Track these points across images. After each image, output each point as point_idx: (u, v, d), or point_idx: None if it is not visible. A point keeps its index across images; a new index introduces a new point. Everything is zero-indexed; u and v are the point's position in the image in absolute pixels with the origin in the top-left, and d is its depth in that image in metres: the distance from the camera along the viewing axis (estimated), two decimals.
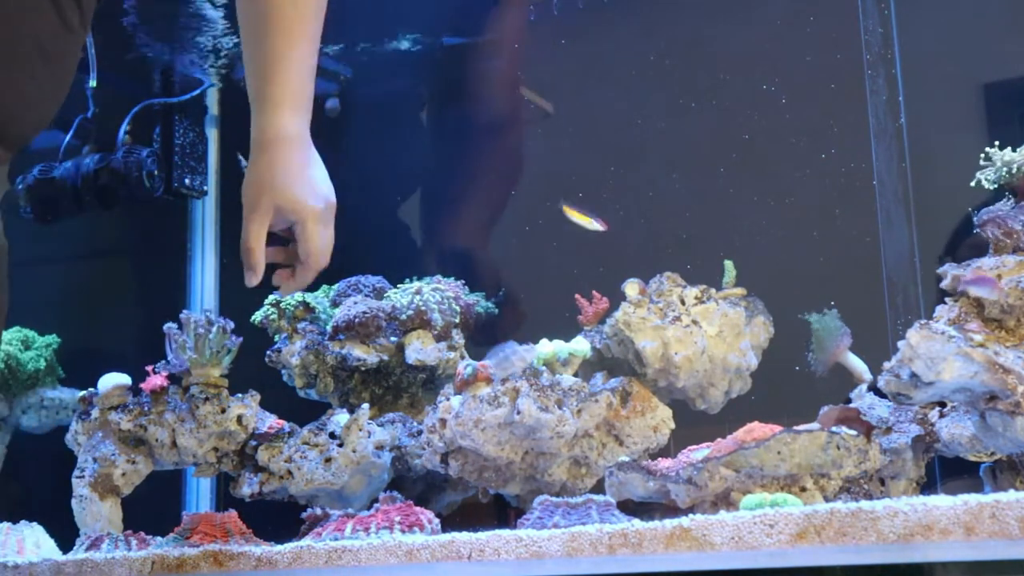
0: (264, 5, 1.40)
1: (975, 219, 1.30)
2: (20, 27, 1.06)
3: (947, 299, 1.28)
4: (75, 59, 1.15)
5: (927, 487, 1.48)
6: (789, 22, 1.94)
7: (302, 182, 1.39)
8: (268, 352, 1.77)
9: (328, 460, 1.55)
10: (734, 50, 1.98)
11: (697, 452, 1.31)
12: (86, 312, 2.37)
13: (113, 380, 1.63)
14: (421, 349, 1.69)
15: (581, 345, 1.53)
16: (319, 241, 1.38)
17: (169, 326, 1.61)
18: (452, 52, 2.22)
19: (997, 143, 1.35)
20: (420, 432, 1.57)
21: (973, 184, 1.37)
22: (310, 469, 1.55)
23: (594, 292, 1.59)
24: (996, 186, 1.34)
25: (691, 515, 1.06)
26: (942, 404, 1.45)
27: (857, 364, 1.54)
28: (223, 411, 1.56)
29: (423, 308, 1.70)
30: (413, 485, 1.65)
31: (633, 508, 1.28)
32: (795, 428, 1.22)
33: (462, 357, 1.73)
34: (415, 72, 2.25)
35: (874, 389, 1.44)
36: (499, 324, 1.89)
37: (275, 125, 1.40)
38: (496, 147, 2.18)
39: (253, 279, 1.40)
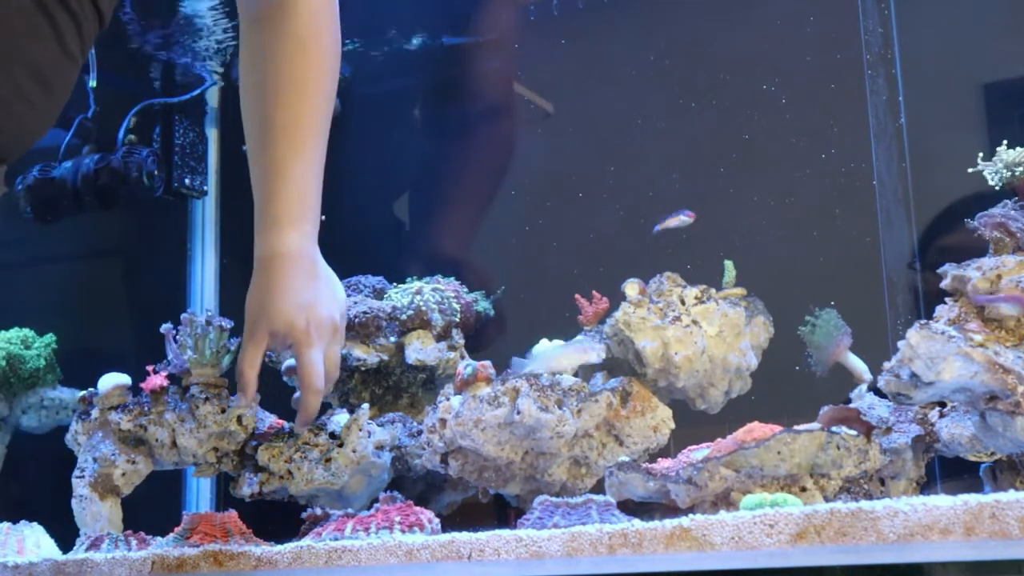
0: (267, 109, 1.38)
1: (975, 220, 1.30)
2: (18, 50, 1.05)
3: (947, 299, 1.28)
4: (71, 85, 1.14)
5: (927, 487, 1.48)
6: (789, 22, 1.94)
7: (298, 305, 1.37)
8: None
9: (328, 460, 1.55)
10: (734, 50, 1.98)
11: (697, 452, 1.31)
12: (86, 312, 2.37)
13: (113, 380, 1.63)
14: (421, 349, 1.69)
15: None
16: (314, 368, 1.37)
17: (167, 326, 1.61)
18: (449, 51, 2.22)
19: (1005, 142, 1.35)
20: (420, 432, 1.57)
21: (972, 171, 1.36)
22: (310, 469, 1.55)
23: (594, 292, 1.59)
24: (1000, 186, 1.34)
25: (691, 515, 1.06)
26: (942, 404, 1.45)
27: (857, 364, 1.54)
28: (223, 411, 1.56)
29: (423, 308, 1.70)
30: (413, 485, 1.65)
31: (633, 508, 1.28)
32: (795, 428, 1.22)
33: (462, 357, 1.73)
34: (414, 71, 2.25)
35: (874, 389, 1.44)
36: (495, 323, 1.89)
37: (275, 242, 1.37)
38: (489, 144, 2.18)
39: (242, 400, 1.41)
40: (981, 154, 1.36)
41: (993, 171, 1.34)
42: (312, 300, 1.38)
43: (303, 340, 1.37)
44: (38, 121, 1.11)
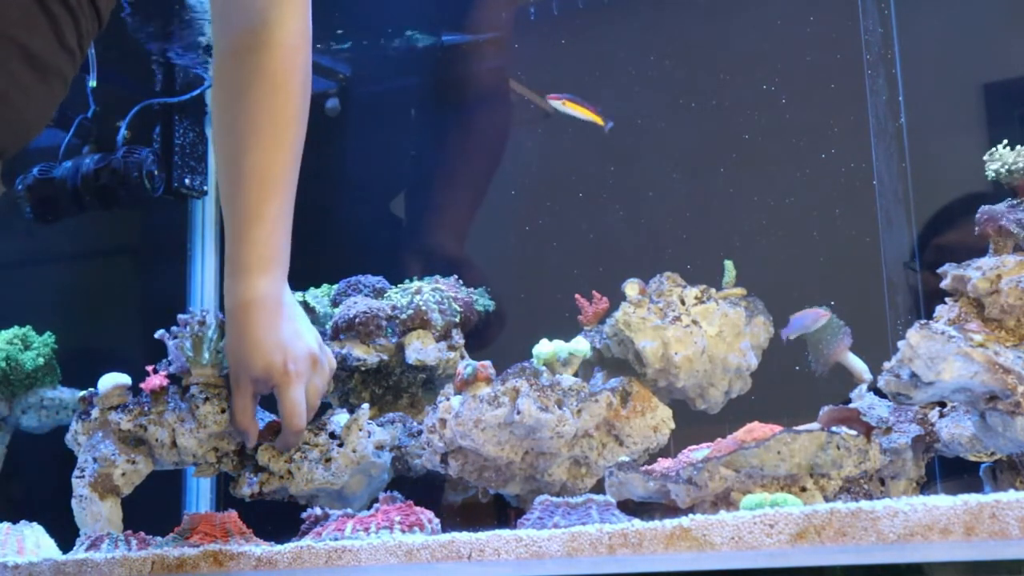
0: (239, 152, 1.39)
1: (978, 214, 1.29)
2: (13, 40, 1.05)
3: (947, 299, 1.29)
4: (69, 81, 1.14)
5: (927, 487, 1.48)
6: (789, 22, 1.94)
7: (273, 346, 1.41)
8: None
9: (328, 460, 1.55)
10: (734, 50, 1.98)
11: (697, 452, 1.31)
12: (86, 312, 2.37)
13: (113, 380, 1.62)
14: (421, 349, 1.69)
15: (581, 345, 1.52)
16: (294, 408, 1.42)
17: (161, 332, 1.61)
18: (448, 50, 2.22)
19: (1007, 143, 1.35)
20: (420, 432, 1.57)
21: (990, 158, 1.35)
22: (310, 469, 1.55)
23: (594, 292, 1.59)
24: (997, 179, 1.34)
25: (691, 515, 1.06)
26: (942, 404, 1.45)
27: (857, 364, 1.54)
28: (223, 411, 1.56)
29: (423, 308, 1.70)
30: (413, 485, 1.65)
31: (633, 508, 1.28)
32: (795, 428, 1.22)
33: (462, 357, 1.73)
34: (413, 70, 2.25)
35: (874, 389, 1.44)
36: (496, 323, 1.89)
37: (244, 291, 1.41)
38: (484, 141, 2.19)
39: (249, 442, 1.45)
40: (994, 149, 1.35)
41: (994, 169, 1.33)
42: (286, 338, 1.41)
43: (283, 381, 1.41)
44: (36, 113, 1.10)
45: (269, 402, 1.65)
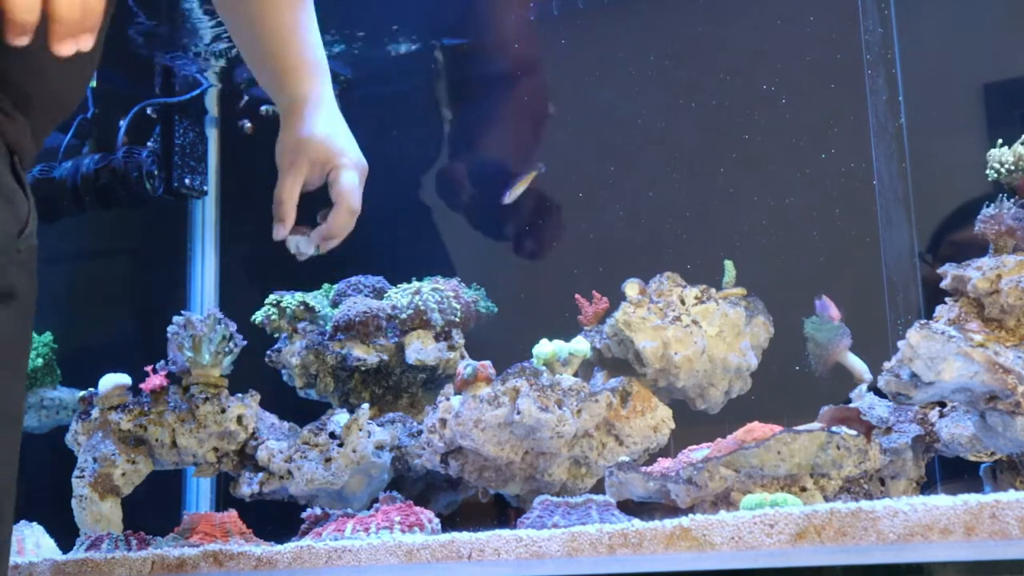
0: (261, 11, 1.40)
1: (976, 219, 1.29)
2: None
3: (947, 299, 1.29)
4: (89, 73, 1.13)
5: (927, 487, 1.48)
6: (789, 22, 1.94)
7: (333, 136, 1.41)
8: (268, 352, 1.77)
9: (328, 460, 1.55)
10: (734, 50, 1.98)
11: (697, 452, 1.31)
12: (86, 312, 2.37)
13: (113, 380, 1.63)
14: (421, 349, 1.69)
15: (581, 345, 1.53)
16: (353, 188, 1.39)
17: (171, 328, 1.61)
18: (452, 53, 2.22)
19: (1005, 143, 1.35)
20: (420, 432, 1.57)
21: (991, 156, 1.35)
22: (310, 469, 1.55)
23: (594, 292, 1.59)
24: (1004, 178, 1.33)
25: (691, 515, 1.06)
26: (942, 404, 1.45)
27: (857, 364, 1.54)
28: (223, 411, 1.56)
29: (423, 308, 1.70)
30: (413, 485, 1.65)
31: (633, 508, 1.28)
32: (795, 428, 1.22)
33: (462, 357, 1.73)
34: (415, 72, 2.25)
35: (874, 389, 1.44)
36: (495, 323, 1.89)
37: (300, 92, 1.42)
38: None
39: (281, 230, 1.41)
40: (995, 149, 1.35)
41: (991, 169, 1.33)
42: (344, 132, 1.42)
43: (343, 163, 1.39)
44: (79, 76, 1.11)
45: (269, 403, 1.65)
